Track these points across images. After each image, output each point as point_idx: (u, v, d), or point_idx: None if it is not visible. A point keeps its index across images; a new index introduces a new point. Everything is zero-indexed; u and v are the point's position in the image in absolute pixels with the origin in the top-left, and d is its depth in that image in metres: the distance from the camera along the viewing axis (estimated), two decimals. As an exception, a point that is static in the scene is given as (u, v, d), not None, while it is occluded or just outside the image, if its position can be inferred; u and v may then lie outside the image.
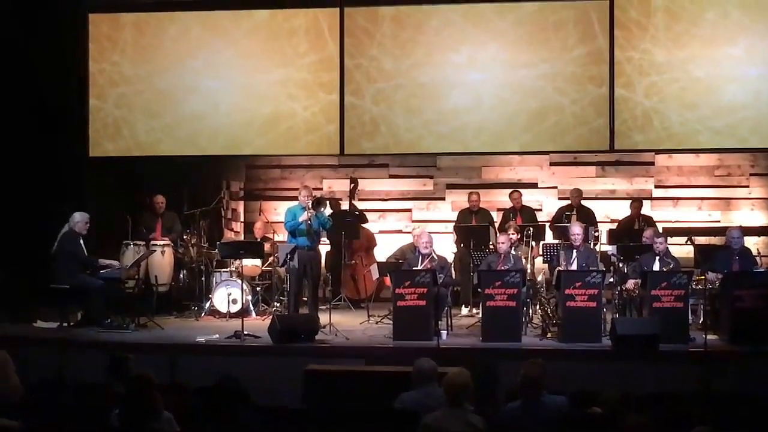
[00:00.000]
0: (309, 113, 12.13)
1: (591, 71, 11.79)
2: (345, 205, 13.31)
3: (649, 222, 12.65)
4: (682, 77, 11.65)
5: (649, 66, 11.68)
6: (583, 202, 13.12)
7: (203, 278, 12.22)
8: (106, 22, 12.52)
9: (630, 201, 13.30)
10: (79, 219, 10.97)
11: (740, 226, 11.88)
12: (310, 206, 10.93)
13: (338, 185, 14.10)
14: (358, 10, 12.13)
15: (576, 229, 10.81)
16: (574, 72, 11.82)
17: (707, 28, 11.63)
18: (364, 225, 13.31)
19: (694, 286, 10.41)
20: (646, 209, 13.39)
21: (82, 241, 10.96)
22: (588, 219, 12.45)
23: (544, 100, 11.87)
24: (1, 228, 11.85)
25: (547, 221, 13.13)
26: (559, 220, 12.71)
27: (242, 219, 14.60)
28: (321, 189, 14.15)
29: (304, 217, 10.89)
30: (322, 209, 11.19)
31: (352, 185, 13.20)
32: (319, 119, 12.13)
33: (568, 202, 13.17)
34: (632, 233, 12.19)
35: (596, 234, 11.84)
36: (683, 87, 11.65)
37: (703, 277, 10.55)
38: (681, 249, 11.91)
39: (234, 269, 12.01)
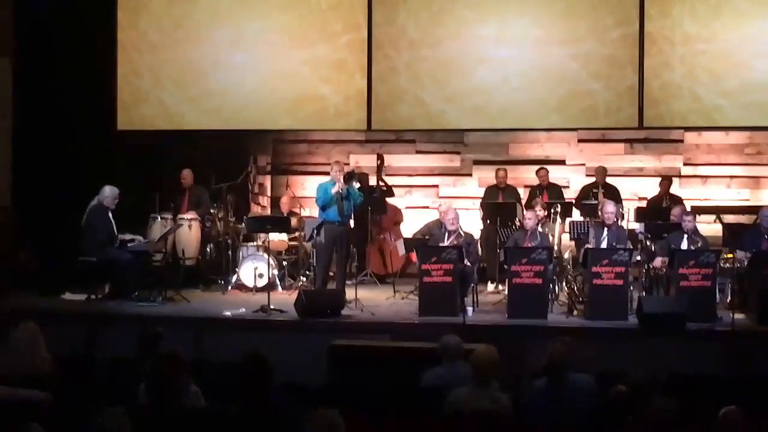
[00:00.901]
0: (341, 97, 12.03)
1: (629, 54, 11.45)
2: (372, 181, 13.28)
3: (677, 201, 12.56)
4: (713, 51, 11.42)
5: (680, 39, 11.45)
6: (612, 180, 13.04)
7: (230, 252, 12.25)
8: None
9: (659, 179, 13.20)
10: (109, 194, 11.02)
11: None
12: (342, 180, 10.92)
13: (365, 161, 14.07)
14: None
15: (610, 208, 10.69)
16: (611, 55, 11.51)
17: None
18: (390, 199, 13.31)
19: (722, 265, 10.34)
20: (675, 187, 13.29)
21: (111, 215, 11.03)
22: (613, 196, 12.38)
23: (575, 84, 11.59)
24: (29, 201, 11.93)
25: (574, 198, 13.05)
26: (586, 198, 12.64)
27: (269, 194, 14.62)
28: (348, 164, 14.13)
29: (335, 189, 10.88)
30: (353, 182, 11.19)
31: (379, 161, 13.18)
32: (350, 104, 12.03)
33: (594, 179, 13.09)
34: (660, 211, 12.12)
35: (622, 212, 11.73)
36: (714, 62, 11.41)
37: (731, 255, 10.47)
38: (709, 227, 11.82)
39: (261, 243, 12.05)
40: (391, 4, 11.99)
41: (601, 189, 12.64)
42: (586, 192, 12.86)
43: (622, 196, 12.77)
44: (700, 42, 11.42)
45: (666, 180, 13.04)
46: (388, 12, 11.98)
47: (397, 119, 12.16)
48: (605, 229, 10.63)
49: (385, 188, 13.11)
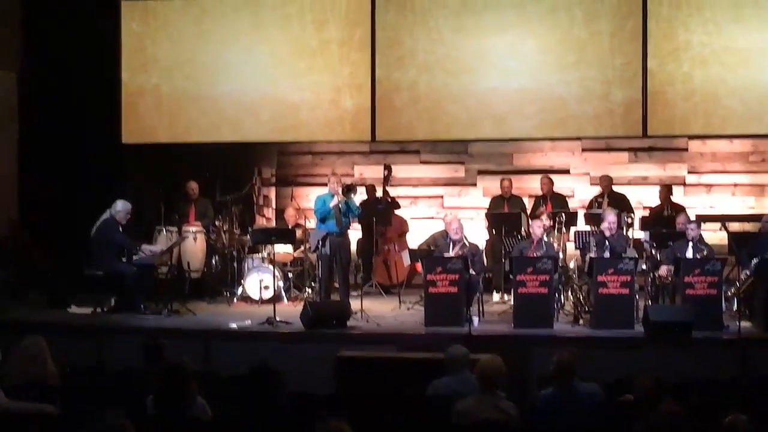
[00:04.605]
0: (345, 108, 11.89)
1: (634, 63, 11.34)
2: (379, 192, 13.29)
3: (679, 209, 12.53)
4: (717, 61, 11.38)
5: (686, 47, 11.40)
6: (616, 189, 13.03)
7: (235, 264, 12.27)
8: (139, 8, 12.47)
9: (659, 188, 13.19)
10: (121, 209, 10.99)
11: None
12: (341, 192, 10.96)
13: (369, 172, 14.10)
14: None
15: (611, 217, 10.70)
16: (617, 64, 11.38)
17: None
18: (396, 211, 13.33)
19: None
20: (680, 195, 13.28)
21: (121, 229, 11.05)
22: (621, 205, 12.36)
23: (580, 92, 11.43)
24: (37, 213, 11.95)
25: (580, 208, 13.05)
26: (592, 208, 12.62)
27: (274, 205, 14.64)
28: (352, 176, 14.16)
29: (333, 202, 10.92)
30: (352, 195, 11.19)
31: (386, 172, 13.19)
32: (355, 115, 11.90)
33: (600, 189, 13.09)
34: (663, 220, 12.11)
35: (629, 221, 11.74)
36: (718, 71, 11.39)
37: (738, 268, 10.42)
38: (714, 235, 11.81)
39: (266, 255, 12.05)
40: (398, 5, 11.89)
41: (606, 198, 12.64)
42: (593, 202, 12.83)
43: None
44: (706, 50, 11.36)
45: (665, 188, 13.00)
46: (394, 15, 11.87)
47: (402, 130, 12.06)
48: (606, 238, 10.62)
49: (390, 201, 13.13)
